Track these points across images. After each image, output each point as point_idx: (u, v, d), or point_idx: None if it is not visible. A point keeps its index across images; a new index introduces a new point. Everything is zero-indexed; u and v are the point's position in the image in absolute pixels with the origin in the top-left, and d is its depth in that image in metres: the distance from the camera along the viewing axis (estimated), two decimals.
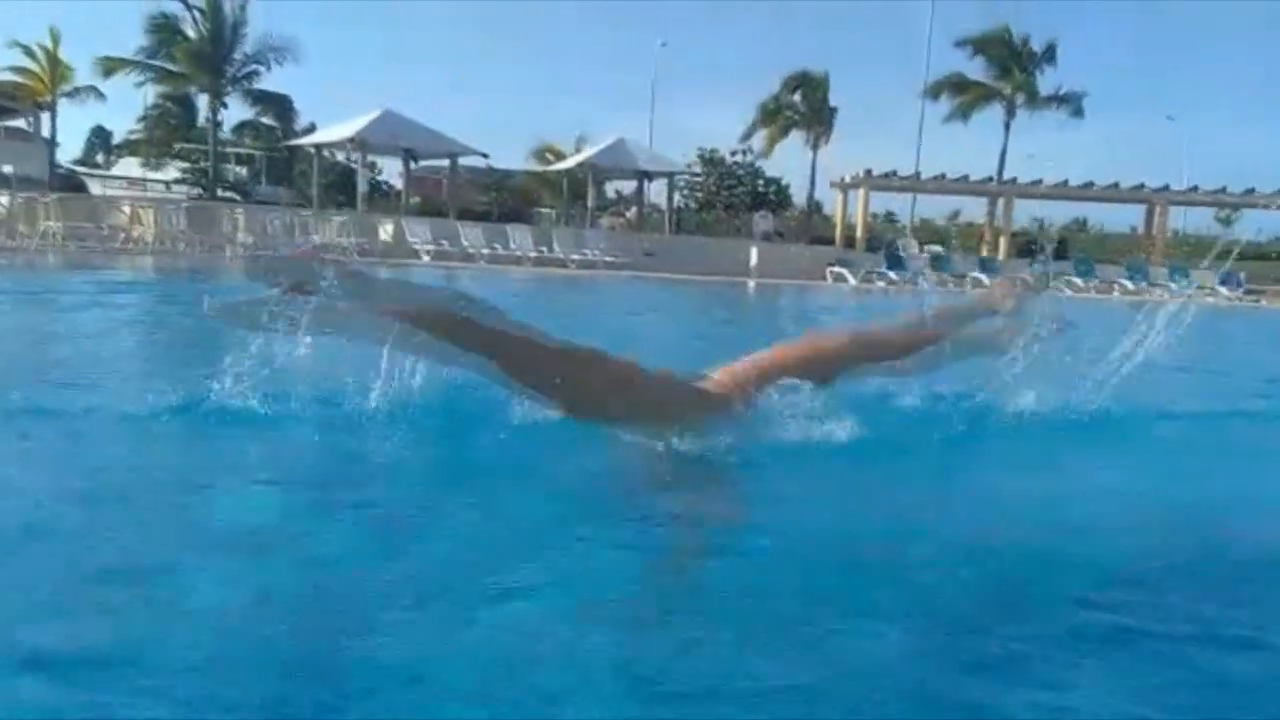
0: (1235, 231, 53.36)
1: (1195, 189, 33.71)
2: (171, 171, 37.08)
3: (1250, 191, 32.54)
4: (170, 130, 38.67)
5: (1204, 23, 63.69)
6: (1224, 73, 69.72)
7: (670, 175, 31.51)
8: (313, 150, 30.75)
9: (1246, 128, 66.02)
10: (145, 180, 35.69)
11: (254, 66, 33.14)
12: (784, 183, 34.88)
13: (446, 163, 30.39)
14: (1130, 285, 26.63)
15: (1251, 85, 65.94)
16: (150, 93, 36.51)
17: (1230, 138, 63.61)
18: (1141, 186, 33.04)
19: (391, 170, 41.37)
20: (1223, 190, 33.09)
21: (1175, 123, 49.26)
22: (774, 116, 33.82)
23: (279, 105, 38.94)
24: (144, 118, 40.19)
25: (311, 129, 35.32)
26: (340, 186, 35.15)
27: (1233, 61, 68.88)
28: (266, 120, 38.26)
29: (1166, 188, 33.26)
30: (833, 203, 36.61)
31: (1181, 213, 44.44)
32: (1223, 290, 26.45)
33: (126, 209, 18.28)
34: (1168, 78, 72.77)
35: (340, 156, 35.93)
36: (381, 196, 37.68)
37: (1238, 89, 69.50)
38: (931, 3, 36.72)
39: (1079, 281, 26.74)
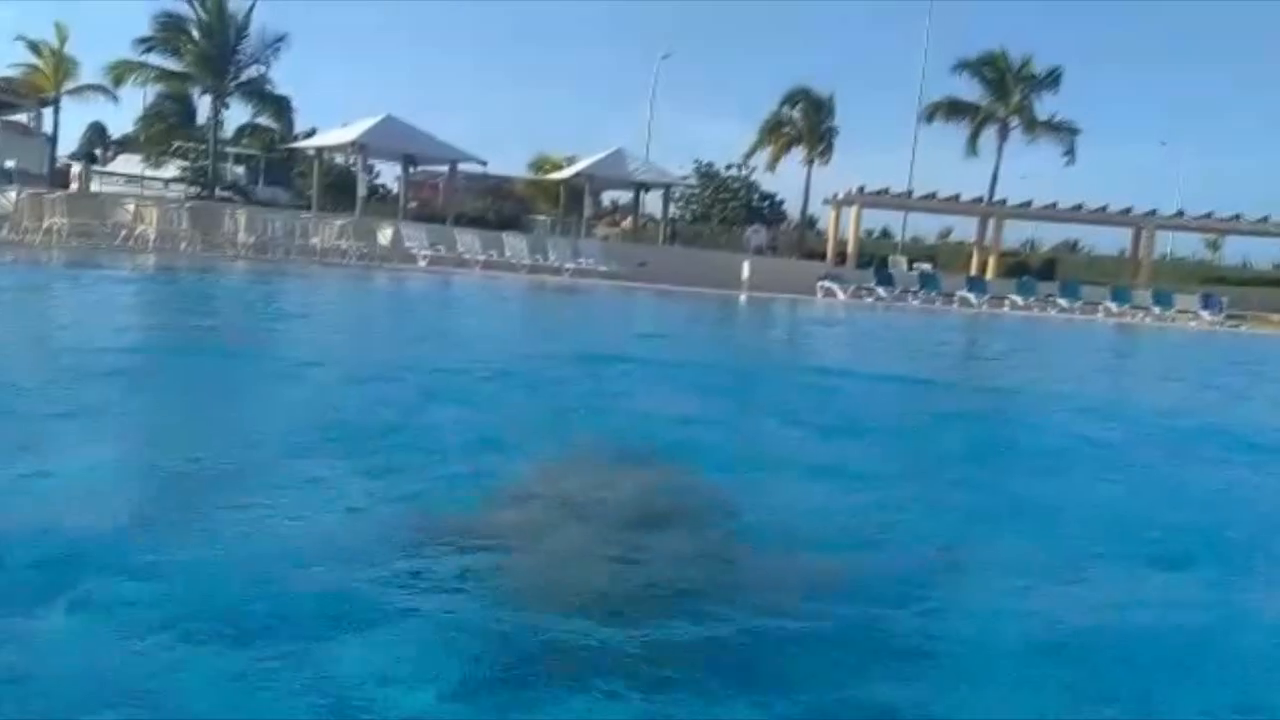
0: (1223, 256, 54.28)
1: (1181, 214, 34.25)
2: (170, 169, 37.31)
3: (1236, 217, 33.11)
4: (169, 128, 38.95)
5: (1195, 48, 64.46)
6: (1216, 99, 70.49)
7: (666, 187, 31.89)
8: (313, 153, 31.05)
9: (1238, 154, 66.88)
10: (143, 178, 35.95)
11: (256, 69, 33.47)
12: (778, 197, 35.31)
13: (444, 167, 30.75)
14: (1114, 307, 27.10)
15: (1243, 112, 66.67)
16: (149, 90, 36.85)
17: (1221, 164, 64.36)
18: (1129, 210, 33.56)
19: (389, 174, 41.81)
20: (1209, 215, 33.63)
21: (1167, 147, 49.77)
22: (774, 132, 34.26)
23: (278, 106, 39.30)
24: (144, 115, 40.50)
25: (311, 133, 35.60)
26: (339, 189, 35.39)
27: (1222, 88, 69.67)
28: (265, 121, 38.52)
29: (1154, 212, 33.79)
30: (825, 218, 37.10)
31: (1169, 236, 45.18)
32: (1204, 314, 26.97)
33: (131, 207, 18.56)
34: (1164, 103, 73.58)
35: (339, 159, 36.26)
36: (379, 200, 37.99)
37: (1229, 115, 70.30)
38: (928, 22, 37.37)
39: (1064, 302, 27.21)
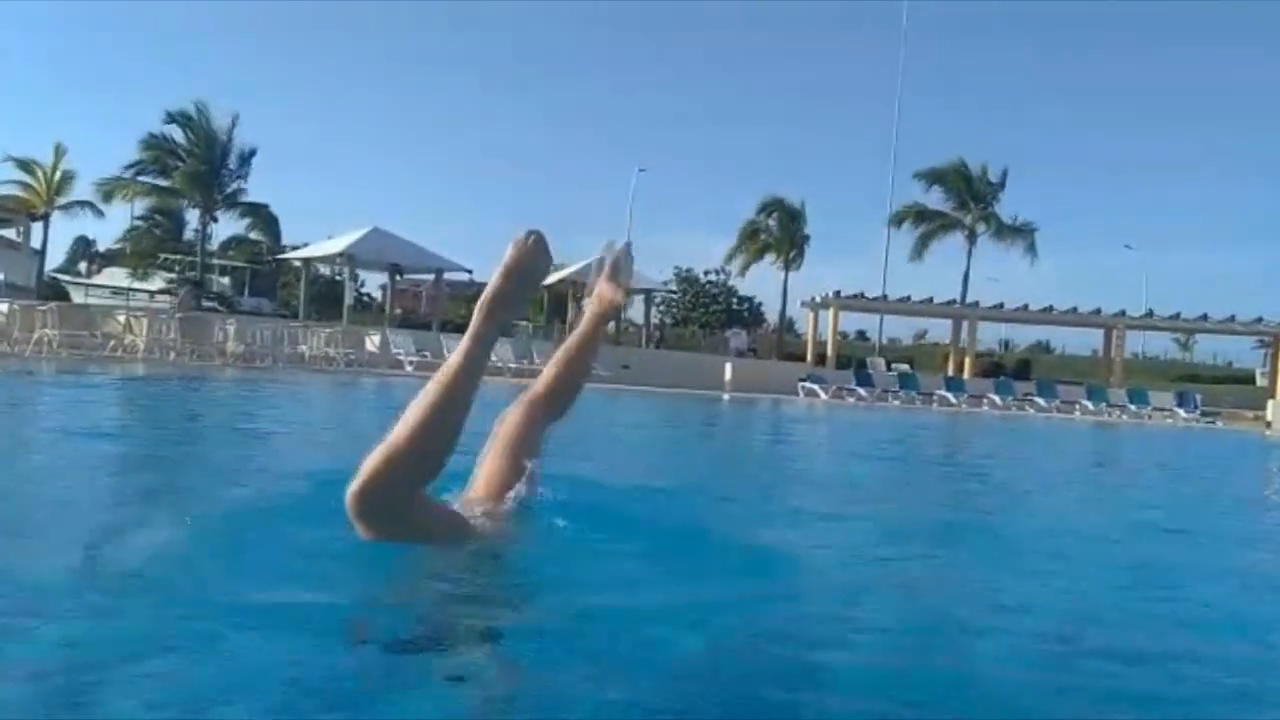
0: (1194, 354, 55.47)
1: (1151, 313, 35.18)
2: (156, 281, 37.80)
3: (1204, 317, 34.04)
4: (157, 241, 39.66)
5: (1160, 155, 67.40)
6: (1181, 203, 73.27)
7: (647, 292, 32.55)
8: (299, 264, 31.58)
9: (1204, 255, 69.15)
10: (129, 290, 36.37)
11: (240, 184, 34.30)
12: (756, 301, 36.09)
13: (428, 275, 31.33)
14: (1090, 406, 27.58)
15: (1208, 215, 69.22)
16: (137, 204, 37.60)
17: (1187, 265, 66.58)
18: (1099, 311, 34.46)
19: (373, 282, 42.47)
20: (1177, 316, 34.56)
21: (1133, 250, 51.34)
22: (751, 239, 35.26)
23: (264, 220, 40.23)
24: (132, 229, 41.24)
25: (299, 246, 36.28)
26: (323, 298, 35.96)
27: (1188, 192, 72.48)
28: (253, 235, 39.30)
29: (1123, 313, 34.72)
30: (803, 321, 37.85)
31: (1140, 335, 46.30)
32: (1180, 412, 27.47)
33: (121, 318, 18.79)
34: (1127, 208, 76.27)
35: (324, 270, 36.88)
36: (364, 308, 38.52)
37: (1195, 218, 72.91)
38: (894, 132, 38.95)
39: (1041, 402, 27.68)
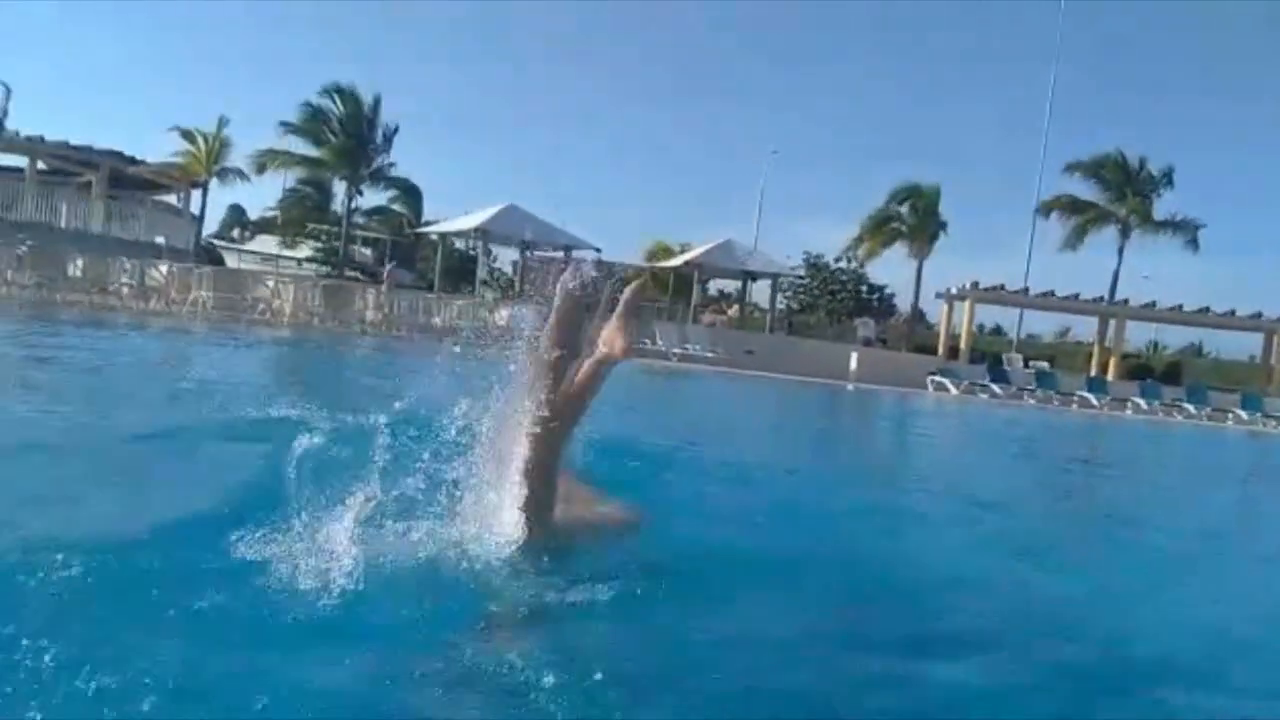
0: None
1: None
2: (304, 249, 39.61)
3: None
4: (306, 211, 41.56)
5: None
6: None
7: (775, 276, 32.16)
8: (437, 238, 32.53)
9: None
10: (278, 256, 38.25)
11: (384, 159, 35.51)
12: (887, 290, 35.17)
13: (558, 254, 31.77)
14: (1244, 415, 25.83)
15: None
16: (289, 176, 39.43)
17: None
18: (1259, 315, 32.17)
19: (504, 257, 43.45)
20: None
21: None
22: (881, 227, 34.35)
23: (407, 193, 41.61)
24: (283, 199, 43.34)
25: (438, 221, 37.41)
26: (458, 272, 36.98)
27: None
28: (397, 207, 40.70)
29: None
30: (936, 312, 36.68)
31: None
32: None
33: (270, 283, 19.78)
34: None
35: (460, 244, 37.89)
36: (494, 282, 39.48)
37: None
38: (1047, 120, 37.17)
39: (1191, 408, 26.06)
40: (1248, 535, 5.77)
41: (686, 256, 30.78)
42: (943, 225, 33.82)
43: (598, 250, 30.95)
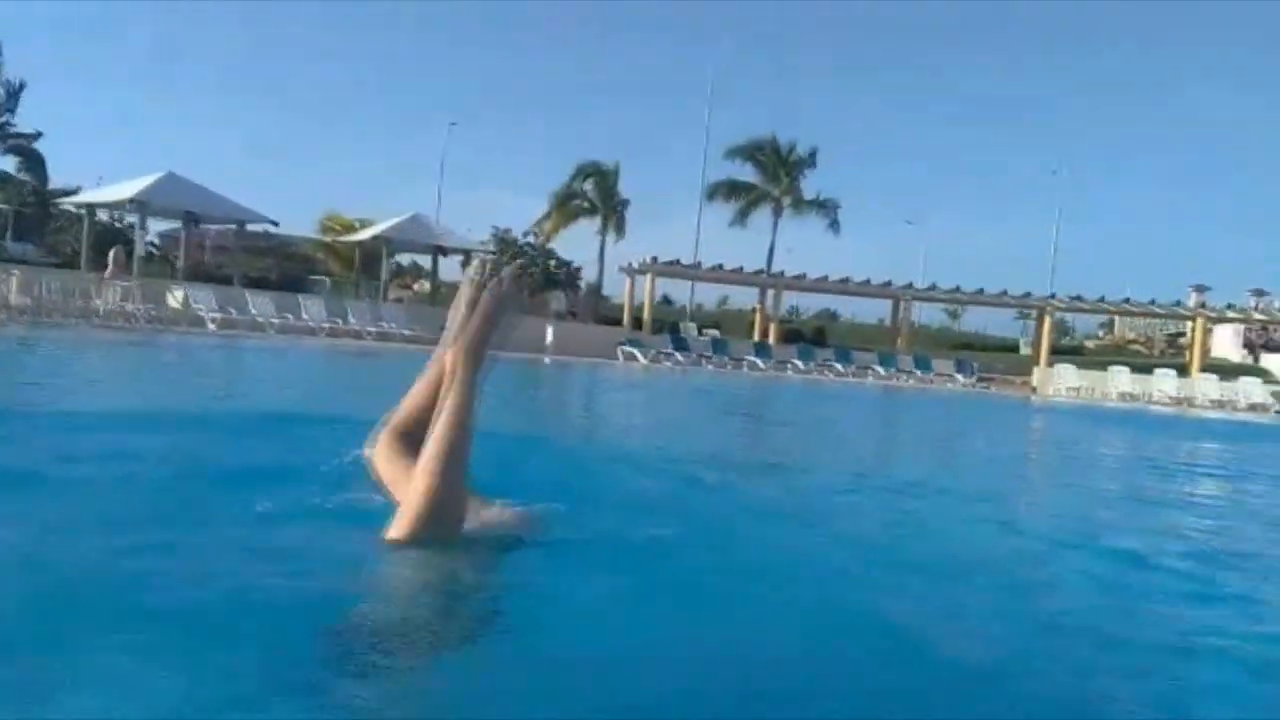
0: (961, 324, 60.49)
1: (934, 287, 38.06)
2: None
3: (980, 291, 37.18)
4: None
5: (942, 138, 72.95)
6: (957, 183, 79.96)
7: (465, 252, 31.92)
8: (79, 209, 28.83)
9: (976, 232, 76.02)
10: None
11: (7, 118, 30.91)
12: (574, 265, 36.19)
13: (227, 226, 29.39)
14: (882, 371, 29.65)
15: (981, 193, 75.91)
16: None
17: (961, 241, 72.86)
18: (889, 284, 36.95)
19: (153, 231, 39.33)
20: (957, 289, 37.55)
21: (915, 226, 55.30)
22: (565, 203, 35.27)
23: (30, 159, 36.47)
24: None
25: (77, 190, 33.13)
26: (100, 247, 32.94)
27: (966, 173, 79.12)
28: (21, 175, 35.51)
29: (910, 285, 37.39)
30: (618, 286, 38.40)
31: (918, 306, 49.97)
32: (959, 377, 30.01)
33: None
34: (914, 186, 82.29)
35: (103, 216, 33.76)
36: (147, 260, 35.60)
37: (969, 197, 79.58)
38: (708, 111, 40.02)
39: (839, 367, 29.47)
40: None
41: (374, 230, 29.72)
42: (624, 203, 35.38)
43: (274, 224, 29.04)
